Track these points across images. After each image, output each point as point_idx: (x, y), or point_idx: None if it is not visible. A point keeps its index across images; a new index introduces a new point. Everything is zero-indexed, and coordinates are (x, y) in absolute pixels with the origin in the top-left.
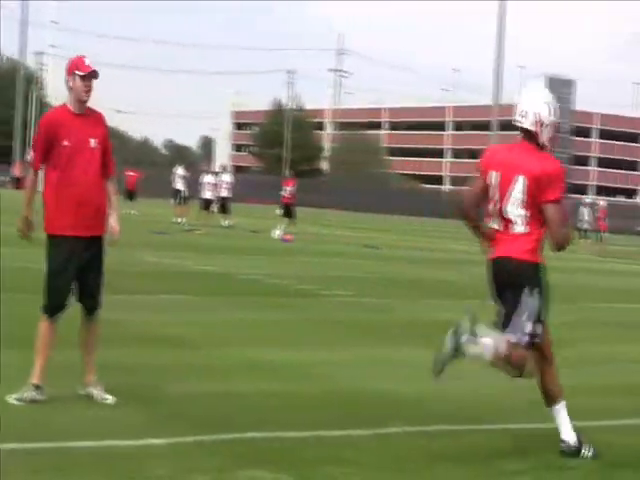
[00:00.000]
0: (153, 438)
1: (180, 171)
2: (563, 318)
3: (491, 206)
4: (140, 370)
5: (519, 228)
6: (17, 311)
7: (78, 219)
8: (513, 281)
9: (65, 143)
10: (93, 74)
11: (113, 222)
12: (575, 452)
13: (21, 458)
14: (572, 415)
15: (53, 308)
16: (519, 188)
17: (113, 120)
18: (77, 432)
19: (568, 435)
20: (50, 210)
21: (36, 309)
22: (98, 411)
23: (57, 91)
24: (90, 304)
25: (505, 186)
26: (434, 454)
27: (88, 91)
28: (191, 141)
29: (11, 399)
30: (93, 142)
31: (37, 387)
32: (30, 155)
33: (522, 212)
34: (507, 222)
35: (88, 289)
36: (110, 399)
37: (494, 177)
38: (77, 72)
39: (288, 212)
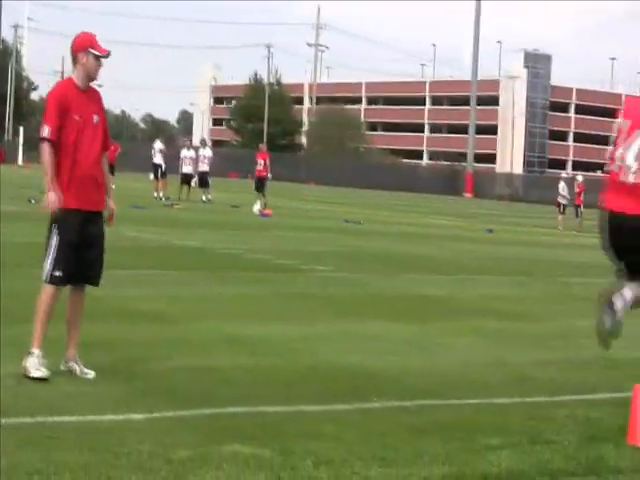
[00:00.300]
0: (134, 413)
1: (159, 145)
2: (535, 292)
3: (617, 151)
4: (120, 345)
5: (632, 177)
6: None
7: (86, 193)
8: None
9: (76, 117)
10: (108, 56)
11: (112, 203)
12: (611, 304)
13: (6, 433)
14: (547, 389)
15: (61, 278)
16: (638, 140)
17: None
18: (60, 407)
19: (627, 292)
20: (61, 184)
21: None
22: (80, 386)
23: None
24: (93, 278)
25: (630, 134)
26: (416, 429)
27: (98, 70)
28: (170, 115)
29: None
30: (96, 118)
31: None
32: (43, 130)
33: (637, 163)
34: (623, 168)
35: (91, 264)
36: (91, 374)
37: (625, 125)
38: (93, 51)
39: (261, 185)
